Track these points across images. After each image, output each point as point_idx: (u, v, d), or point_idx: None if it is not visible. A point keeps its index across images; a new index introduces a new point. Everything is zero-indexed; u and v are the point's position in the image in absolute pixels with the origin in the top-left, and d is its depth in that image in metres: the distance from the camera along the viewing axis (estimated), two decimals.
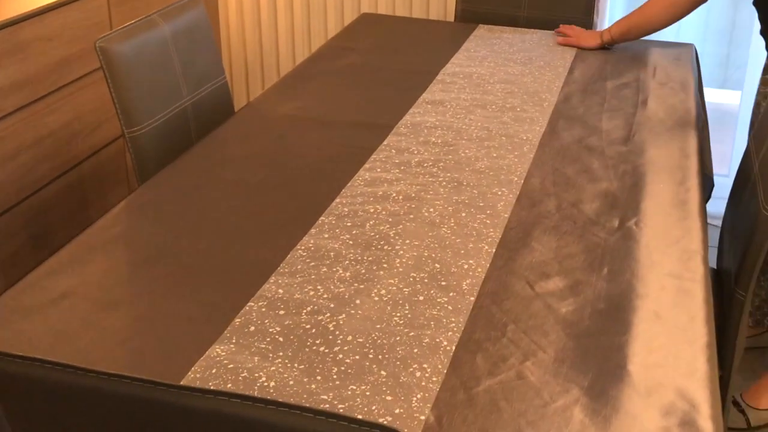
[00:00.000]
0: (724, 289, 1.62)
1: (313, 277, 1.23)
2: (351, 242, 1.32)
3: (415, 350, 1.07)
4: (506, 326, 1.14)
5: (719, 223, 1.90)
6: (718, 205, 2.11)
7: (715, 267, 1.78)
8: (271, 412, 0.76)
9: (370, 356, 1.06)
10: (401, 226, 1.37)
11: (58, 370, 0.82)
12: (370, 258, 1.28)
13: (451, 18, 2.88)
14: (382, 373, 1.03)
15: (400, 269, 1.25)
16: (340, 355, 1.06)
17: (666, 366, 1.06)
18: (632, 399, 1.00)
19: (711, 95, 3.40)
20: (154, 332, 1.12)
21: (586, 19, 2.49)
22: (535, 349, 1.09)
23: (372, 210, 1.42)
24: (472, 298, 1.19)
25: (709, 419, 0.97)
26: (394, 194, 1.48)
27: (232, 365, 1.04)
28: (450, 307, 1.16)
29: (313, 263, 1.26)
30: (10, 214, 1.96)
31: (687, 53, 2.25)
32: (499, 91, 1.96)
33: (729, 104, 3.36)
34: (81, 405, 0.84)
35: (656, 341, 1.10)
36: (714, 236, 1.94)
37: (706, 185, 1.84)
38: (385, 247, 1.31)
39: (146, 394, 0.81)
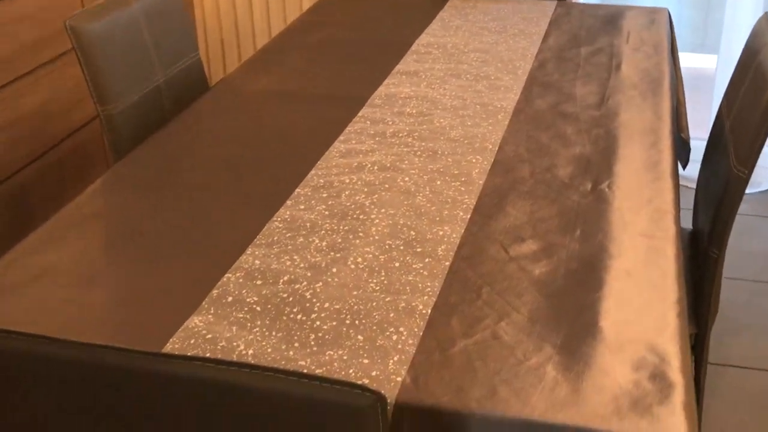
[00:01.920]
0: (699, 250, 1.65)
1: (289, 247, 1.24)
2: (327, 212, 1.34)
3: (392, 315, 1.09)
4: (481, 289, 1.15)
5: (695, 185, 1.93)
6: (695, 168, 2.13)
7: (691, 228, 1.81)
8: (250, 376, 0.78)
9: (347, 322, 1.08)
10: (377, 196, 1.38)
11: (42, 342, 0.83)
12: (346, 227, 1.29)
13: None
14: (359, 337, 1.05)
15: (376, 237, 1.27)
16: (318, 322, 1.08)
17: (637, 322, 1.08)
18: (604, 355, 1.02)
19: (688, 59, 3.42)
20: (133, 306, 1.13)
21: None
22: (509, 310, 1.11)
23: (347, 180, 1.43)
24: (447, 263, 1.21)
25: (679, 372, 0.99)
26: (369, 165, 1.49)
27: (210, 335, 1.05)
28: (425, 273, 1.18)
29: (289, 234, 1.28)
30: None
31: (661, 17, 2.26)
32: (473, 60, 1.97)
33: (706, 68, 3.38)
34: (64, 377, 0.85)
35: (627, 299, 1.12)
36: (690, 199, 1.97)
37: (684, 149, 1.86)
38: (361, 217, 1.32)
39: (126, 363, 0.82)
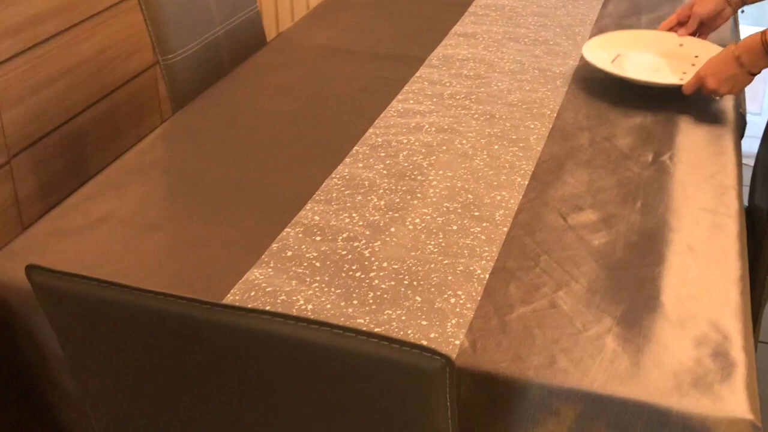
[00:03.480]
0: (756, 227, 1.62)
1: (348, 204, 1.24)
2: (385, 172, 1.33)
3: (450, 278, 1.09)
4: (539, 257, 1.14)
5: (751, 161, 1.89)
6: (750, 143, 2.09)
7: (747, 205, 1.77)
8: (320, 333, 0.77)
9: (405, 282, 1.08)
10: (434, 157, 1.38)
11: (106, 287, 0.84)
12: (404, 188, 1.29)
13: None
14: (417, 298, 1.05)
15: (434, 199, 1.26)
16: (376, 281, 1.08)
17: (699, 298, 1.06)
18: (665, 330, 1.01)
19: (747, 33, 3.33)
20: (193, 255, 1.14)
21: None
22: (568, 279, 1.10)
23: (405, 141, 1.43)
24: (505, 229, 1.20)
25: (742, 351, 0.98)
26: (427, 126, 1.48)
27: (270, 288, 1.06)
28: (483, 237, 1.17)
29: (348, 191, 1.27)
30: (46, 141, 1.98)
31: None
32: (531, 24, 1.94)
33: None
34: (125, 322, 0.85)
35: (689, 274, 1.11)
36: (746, 175, 1.93)
37: (739, 123, 1.82)
38: (419, 178, 1.32)
39: (189, 312, 0.82)
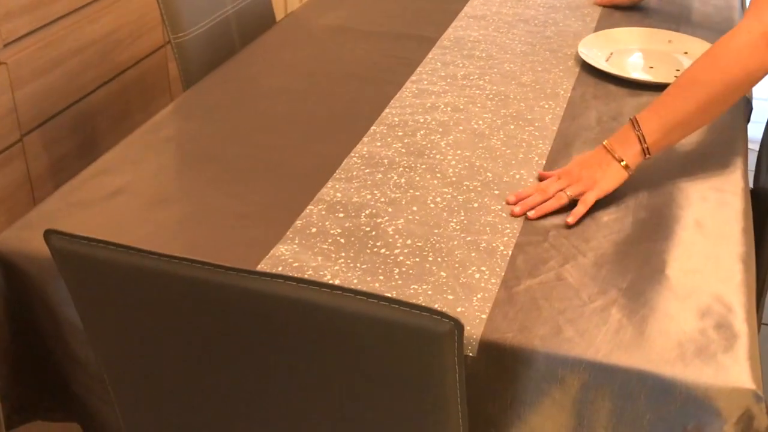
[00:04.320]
0: (761, 210, 1.67)
1: (368, 182, 1.29)
2: (403, 150, 1.38)
3: (473, 254, 1.13)
4: (548, 232, 1.19)
5: (757, 146, 1.93)
6: (756, 129, 2.13)
7: (752, 188, 1.82)
8: (328, 295, 0.77)
9: (430, 259, 1.12)
10: (451, 137, 1.42)
11: (124, 252, 0.84)
12: (423, 166, 1.33)
13: None
14: (442, 274, 1.09)
15: (453, 178, 1.31)
16: (401, 257, 1.12)
17: (704, 272, 1.11)
18: (669, 301, 1.06)
19: None
20: (210, 228, 1.17)
21: None
22: (575, 253, 1.15)
23: (422, 120, 1.47)
24: None
25: (745, 323, 1.02)
26: (443, 106, 1.52)
27: (297, 264, 1.11)
28: (504, 215, 1.22)
29: (368, 170, 1.32)
30: (57, 119, 2.02)
31: None
32: (541, 6, 1.98)
33: None
34: (144, 287, 0.86)
35: (695, 249, 1.16)
36: (751, 160, 1.97)
37: (746, 108, 1.86)
38: (437, 156, 1.36)
39: (207, 276, 0.81)
